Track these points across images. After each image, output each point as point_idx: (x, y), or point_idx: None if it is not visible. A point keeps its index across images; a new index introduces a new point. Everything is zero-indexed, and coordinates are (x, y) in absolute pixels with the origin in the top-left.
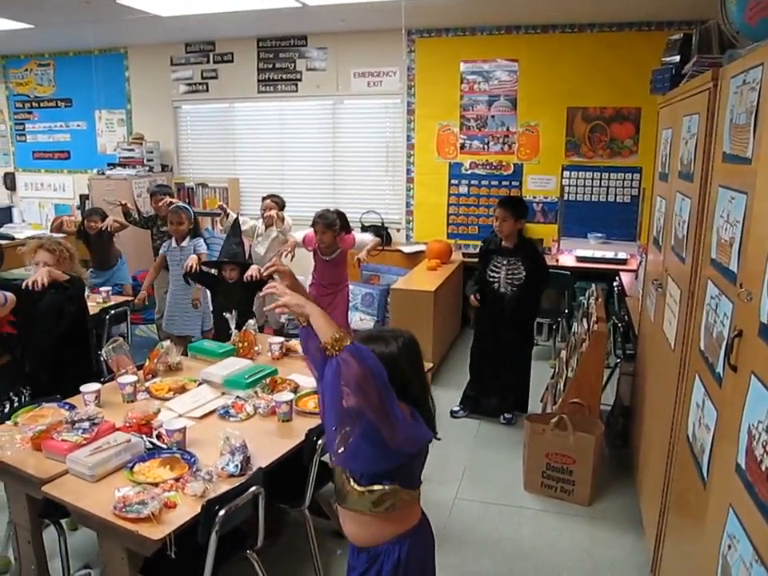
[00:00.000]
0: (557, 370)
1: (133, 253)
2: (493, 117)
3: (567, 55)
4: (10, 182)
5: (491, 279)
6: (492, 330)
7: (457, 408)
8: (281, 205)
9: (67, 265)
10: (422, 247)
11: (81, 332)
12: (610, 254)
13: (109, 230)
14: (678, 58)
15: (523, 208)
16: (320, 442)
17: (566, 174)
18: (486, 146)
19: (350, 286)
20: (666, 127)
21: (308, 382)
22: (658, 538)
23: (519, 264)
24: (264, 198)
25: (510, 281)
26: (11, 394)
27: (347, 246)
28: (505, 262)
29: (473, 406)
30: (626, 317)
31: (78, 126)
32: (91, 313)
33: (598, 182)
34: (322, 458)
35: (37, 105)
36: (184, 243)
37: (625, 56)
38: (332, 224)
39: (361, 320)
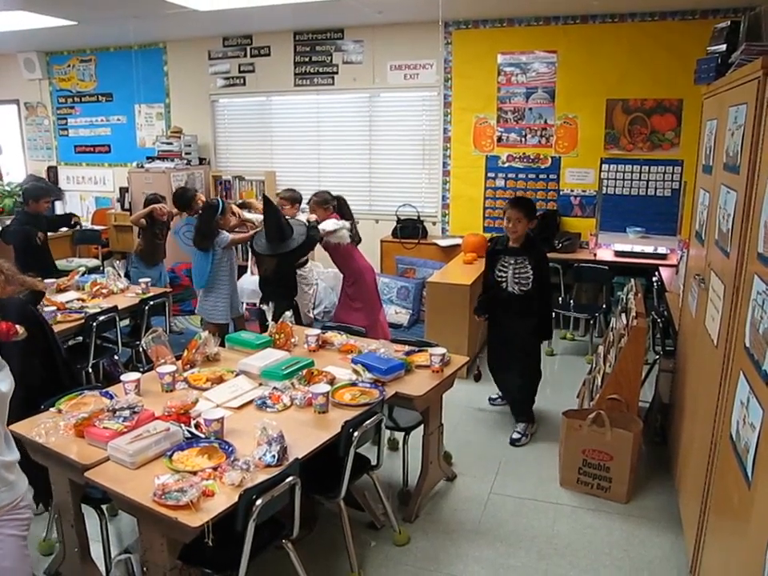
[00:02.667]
0: (594, 365)
1: (169, 246)
2: (530, 109)
3: (607, 46)
4: (53, 176)
5: (499, 279)
6: (501, 329)
7: (495, 396)
8: (291, 200)
9: (8, 290)
10: (458, 241)
11: (48, 347)
12: (649, 249)
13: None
14: (724, 47)
15: (535, 209)
16: (356, 434)
17: (605, 167)
18: (523, 139)
19: (385, 279)
20: (710, 118)
21: (344, 374)
22: (697, 538)
23: (527, 263)
24: (277, 195)
25: (517, 280)
26: None
27: None
28: (512, 262)
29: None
30: (665, 312)
31: (119, 120)
32: (129, 304)
33: (638, 175)
34: (358, 450)
35: (79, 99)
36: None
37: (667, 46)
38: None
39: (396, 313)
